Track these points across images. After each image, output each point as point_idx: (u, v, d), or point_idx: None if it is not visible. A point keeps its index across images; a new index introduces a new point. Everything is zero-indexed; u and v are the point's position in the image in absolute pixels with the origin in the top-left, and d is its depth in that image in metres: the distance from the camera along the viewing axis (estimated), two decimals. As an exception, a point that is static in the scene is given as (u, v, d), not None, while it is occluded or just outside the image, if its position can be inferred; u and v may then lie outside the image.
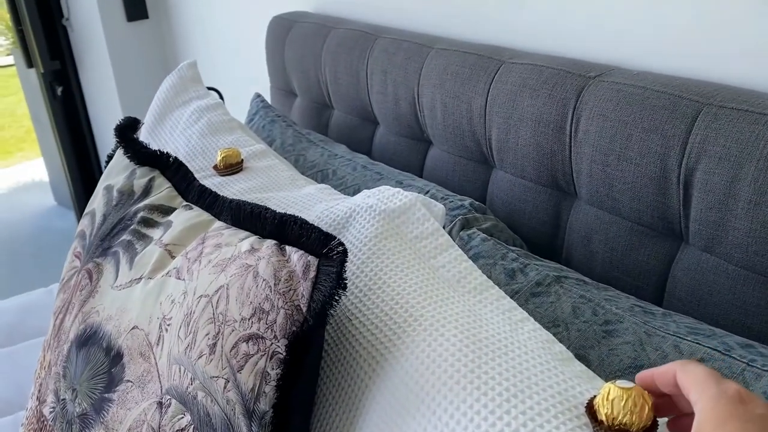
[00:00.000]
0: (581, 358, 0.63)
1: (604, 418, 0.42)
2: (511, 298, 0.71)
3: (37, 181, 3.55)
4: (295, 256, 0.53)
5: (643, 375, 0.44)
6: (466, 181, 1.00)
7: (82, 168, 2.47)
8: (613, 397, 0.42)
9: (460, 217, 0.85)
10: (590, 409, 0.43)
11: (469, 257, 0.78)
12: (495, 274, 0.75)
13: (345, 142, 1.24)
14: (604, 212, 0.80)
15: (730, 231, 0.67)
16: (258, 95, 1.31)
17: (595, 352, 0.63)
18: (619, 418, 0.41)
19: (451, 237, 0.83)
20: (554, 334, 0.65)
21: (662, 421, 0.45)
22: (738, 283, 0.68)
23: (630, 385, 0.42)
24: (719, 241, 0.68)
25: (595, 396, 0.44)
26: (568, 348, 0.64)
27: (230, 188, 0.87)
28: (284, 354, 0.51)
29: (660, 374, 0.42)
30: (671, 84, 0.73)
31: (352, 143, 1.22)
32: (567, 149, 0.81)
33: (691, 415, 0.43)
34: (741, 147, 0.65)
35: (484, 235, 0.81)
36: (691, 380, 0.39)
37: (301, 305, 0.51)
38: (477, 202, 0.89)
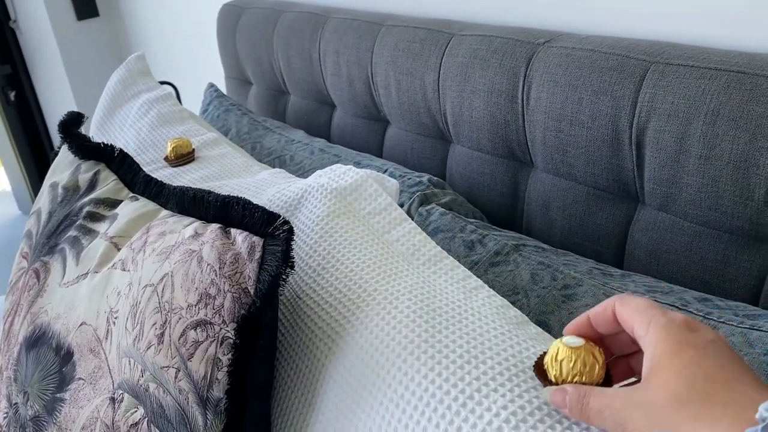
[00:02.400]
0: (541, 324, 0.63)
1: (553, 380, 0.40)
2: (471, 269, 0.70)
3: (0, 191, 3.45)
4: (240, 237, 0.52)
5: (577, 321, 0.41)
6: (424, 158, 0.99)
7: (42, 174, 2.41)
8: (561, 358, 0.39)
9: (418, 194, 0.84)
10: (539, 368, 0.42)
11: (428, 232, 0.77)
12: (454, 247, 0.74)
13: (303, 127, 1.22)
14: (560, 179, 0.80)
15: (683, 188, 0.67)
16: (211, 85, 1.28)
17: (555, 317, 0.63)
18: (569, 379, 0.39)
19: (410, 213, 0.82)
20: (514, 302, 0.65)
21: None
22: (694, 240, 0.68)
23: (579, 342, 0.40)
24: (674, 199, 0.68)
25: (544, 354, 0.42)
26: (527, 315, 0.63)
27: (182, 178, 0.85)
28: (234, 338, 0.50)
29: (596, 314, 0.39)
30: (619, 45, 0.72)
31: (311, 128, 1.20)
32: (520, 118, 0.80)
33: (629, 355, 0.41)
34: (689, 103, 0.64)
35: (443, 209, 0.80)
36: (633, 312, 0.37)
37: (249, 287, 0.50)
38: (435, 178, 0.88)
